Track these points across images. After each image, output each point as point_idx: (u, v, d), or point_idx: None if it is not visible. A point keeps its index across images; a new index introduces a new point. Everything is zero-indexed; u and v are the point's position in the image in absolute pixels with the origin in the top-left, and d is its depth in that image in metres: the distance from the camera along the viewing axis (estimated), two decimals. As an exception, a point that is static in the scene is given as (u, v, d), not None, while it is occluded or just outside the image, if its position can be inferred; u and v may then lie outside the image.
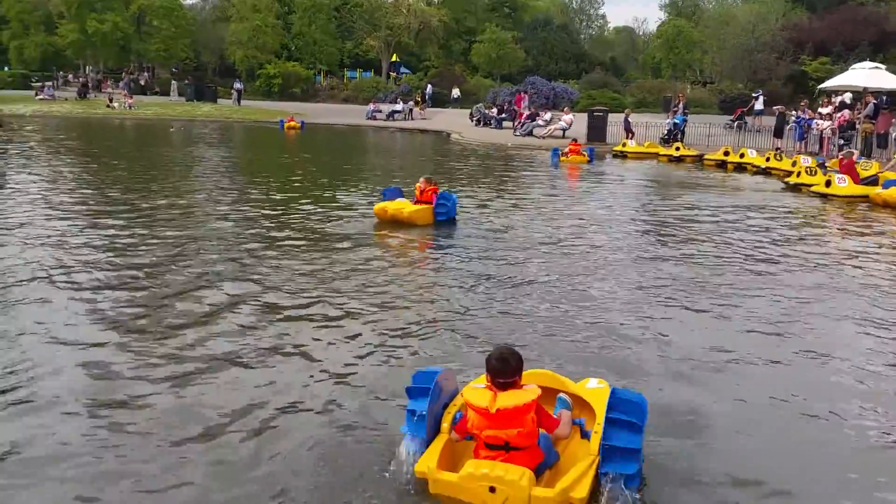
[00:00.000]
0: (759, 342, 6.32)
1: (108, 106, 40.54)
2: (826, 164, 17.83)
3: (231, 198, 13.58)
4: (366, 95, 51.59)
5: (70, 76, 59.12)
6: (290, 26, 62.81)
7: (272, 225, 10.97)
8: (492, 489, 3.60)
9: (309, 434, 4.48)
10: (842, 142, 21.84)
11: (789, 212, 13.78)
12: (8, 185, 13.97)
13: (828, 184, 15.45)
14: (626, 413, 3.94)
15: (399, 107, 40.53)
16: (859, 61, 31.05)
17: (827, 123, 23.32)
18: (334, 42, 64.26)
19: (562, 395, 4.41)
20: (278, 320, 6.53)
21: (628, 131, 26.50)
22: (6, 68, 60.97)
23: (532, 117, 31.20)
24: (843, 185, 15.21)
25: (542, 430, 3.91)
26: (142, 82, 56.38)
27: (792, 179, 17.29)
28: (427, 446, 3.99)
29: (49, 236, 9.54)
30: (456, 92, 51.05)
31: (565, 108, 32.50)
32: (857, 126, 22.20)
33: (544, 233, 10.90)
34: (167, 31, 58.61)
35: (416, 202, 11.15)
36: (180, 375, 5.25)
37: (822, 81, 32.16)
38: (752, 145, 23.37)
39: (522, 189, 16.24)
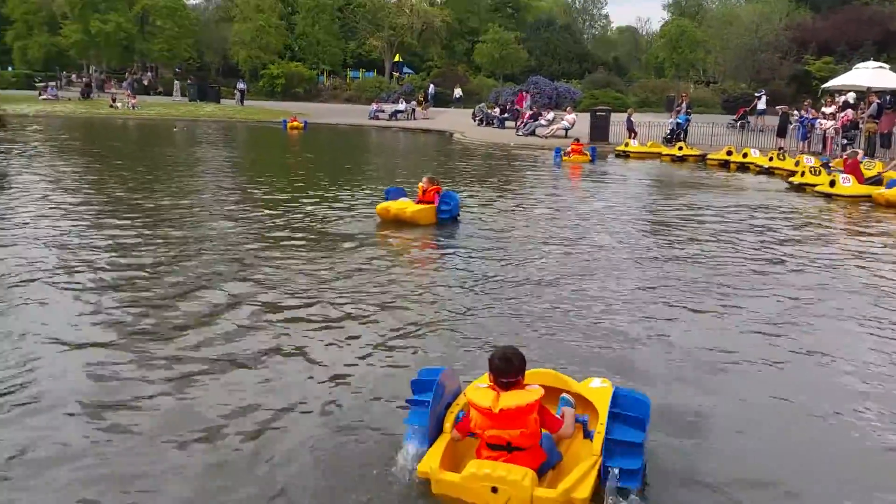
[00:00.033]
0: (762, 342, 6.31)
1: (111, 106, 40.59)
2: (830, 164, 17.79)
3: (233, 198, 13.60)
4: (368, 95, 51.62)
5: (73, 76, 59.21)
6: (293, 27, 62.88)
7: (275, 225, 10.97)
8: (494, 489, 3.60)
9: (310, 434, 4.48)
10: (845, 141, 21.81)
11: (793, 212, 13.75)
12: (11, 185, 13.99)
13: (832, 183, 15.41)
14: (629, 410, 3.94)
15: (402, 107, 40.54)
16: (863, 61, 30.97)
17: (830, 123, 23.28)
18: (337, 42, 64.32)
19: (565, 394, 4.41)
20: (280, 321, 6.53)
21: (631, 131, 26.47)
22: (10, 68, 61.10)
23: (535, 117, 31.19)
24: (847, 184, 15.17)
25: (544, 431, 3.91)
26: (145, 82, 56.45)
27: (796, 179, 17.25)
28: (429, 446, 3.99)
29: (51, 236, 9.55)
30: (458, 92, 51.05)
31: (568, 108, 32.47)
32: (861, 126, 22.17)
33: (547, 232, 10.89)
34: (170, 32, 58.70)
35: (419, 202, 11.15)
36: (182, 376, 5.25)
37: (826, 81, 32.08)
38: (755, 145, 23.32)
39: (525, 189, 16.23)
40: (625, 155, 24.36)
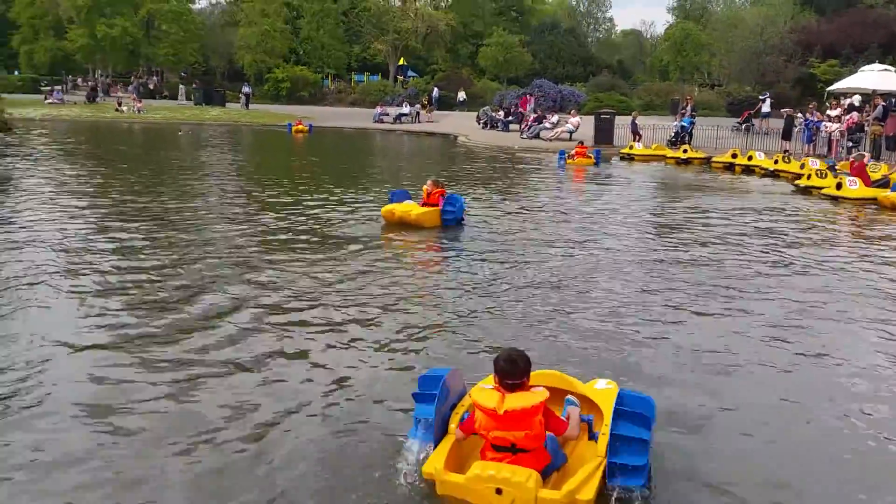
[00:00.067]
0: (767, 345, 6.29)
1: (116, 110, 40.72)
2: (836, 167, 17.75)
3: (238, 201, 13.63)
4: (373, 99, 51.69)
5: (79, 80, 59.43)
6: (298, 31, 63.02)
7: (279, 227, 10.99)
8: (498, 491, 3.60)
9: (314, 436, 4.49)
10: (850, 144, 21.77)
11: (799, 215, 13.72)
12: (17, 189, 14.03)
13: (839, 186, 15.36)
14: (633, 424, 3.93)
15: (406, 110, 40.62)
16: (868, 63, 30.92)
17: (835, 126, 23.23)
18: (342, 46, 64.45)
19: (570, 396, 4.40)
20: (284, 323, 6.54)
21: (635, 134, 26.47)
22: (16, 72, 61.36)
23: (539, 120, 31.19)
24: (854, 187, 15.12)
25: (549, 433, 3.90)
26: (150, 86, 56.62)
27: (802, 182, 17.20)
28: (434, 447, 3.99)
29: (57, 239, 9.57)
30: (461, 95, 51.10)
31: (572, 111, 32.50)
32: (866, 128, 22.12)
33: (551, 235, 10.88)
34: (176, 36, 58.88)
35: (423, 204, 11.16)
36: (186, 379, 5.25)
37: (831, 84, 32.03)
38: (760, 148, 23.28)
39: (529, 191, 16.23)
40: (629, 158, 24.34)
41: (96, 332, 6.17)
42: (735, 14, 60.74)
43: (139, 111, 40.29)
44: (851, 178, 15.41)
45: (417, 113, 40.67)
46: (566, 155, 21.87)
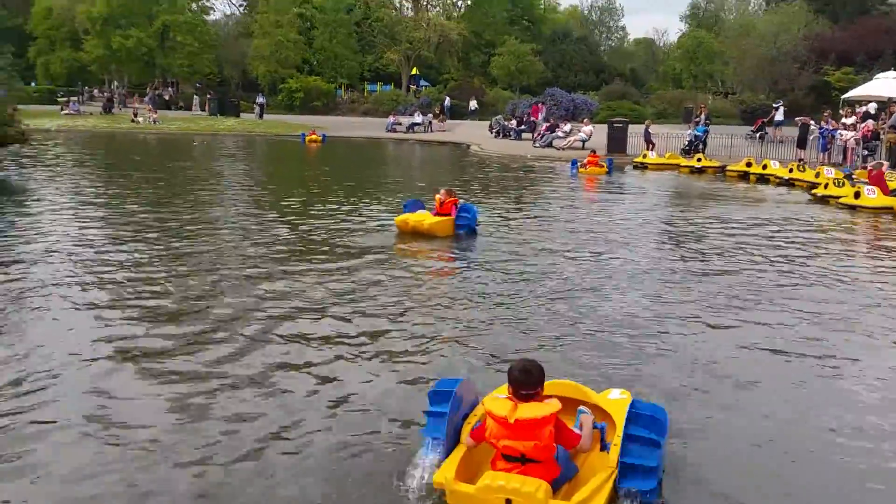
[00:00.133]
0: (782, 357, 6.25)
1: (132, 121, 41.08)
2: (853, 175, 17.61)
3: (251, 211, 13.69)
4: (385, 108, 51.85)
5: (95, 91, 60.05)
6: (311, 41, 63.38)
7: (292, 237, 11.04)
8: (508, 502, 3.59)
9: (325, 446, 4.49)
10: (866, 152, 21.60)
11: (816, 225, 13.61)
12: (32, 200, 14.17)
13: (857, 195, 15.24)
14: (645, 428, 3.92)
15: (419, 119, 40.72)
16: (883, 71, 30.73)
17: (850, 134, 23.07)
18: (355, 56, 64.76)
19: (582, 406, 4.38)
20: (294, 334, 6.53)
21: (648, 142, 26.39)
22: (33, 84, 62.07)
23: (552, 129, 31.18)
24: (872, 196, 15.00)
25: (560, 445, 3.89)
26: (166, 97, 57.12)
27: (819, 191, 17.04)
28: (445, 457, 3.99)
29: (69, 251, 9.60)
30: (473, 104, 51.18)
31: (585, 120, 32.45)
32: (882, 136, 21.95)
33: (564, 245, 10.86)
34: (191, 47, 59.41)
35: (436, 214, 11.18)
36: (194, 392, 5.24)
37: (846, 91, 31.86)
38: (774, 156, 23.15)
39: (542, 201, 16.21)
40: (643, 166, 24.28)
41: (107, 344, 6.17)
42: (748, 22, 60.47)
43: (154, 122, 40.63)
44: (870, 186, 15.28)
45: (430, 122, 40.76)
46: (578, 164, 21.84)
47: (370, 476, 4.15)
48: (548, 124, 32.15)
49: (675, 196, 18.49)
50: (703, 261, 10.02)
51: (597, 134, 28.87)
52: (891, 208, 14.61)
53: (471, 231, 11.25)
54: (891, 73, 28.38)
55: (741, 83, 56.09)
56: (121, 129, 38.86)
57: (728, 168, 22.75)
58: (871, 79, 30.44)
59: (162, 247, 10.04)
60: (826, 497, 4.14)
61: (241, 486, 4.06)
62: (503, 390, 4.07)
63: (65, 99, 48.99)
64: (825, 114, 25.59)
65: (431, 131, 39.89)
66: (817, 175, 18.67)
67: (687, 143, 26.49)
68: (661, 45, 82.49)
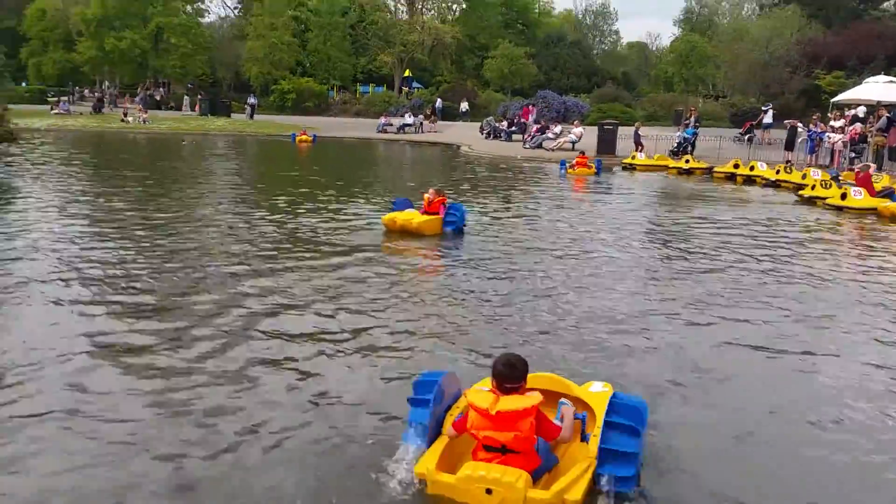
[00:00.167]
0: (765, 354, 6.28)
1: (122, 120, 40.92)
2: (840, 177, 17.73)
3: (239, 209, 13.66)
4: (377, 109, 51.82)
5: (86, 91, 59.83)
6: (305, 44, 63.32)
7: (281, 235, 11.02)
8: (488, 491, 3.63)
9: (305, 439, 4.50)
10: (853, 155, 21.76)
11: (802, 225, 13.68)
12: (18, 197, 14.10)
13: (843, 196, 15.36)
14: (625, 417, 3.95)
15: (410, 120, 40.74)
16: (874, 75, 30.94)
17: (838, 136, 23.23)
18: (348, 58, 64.72)
19: (563, 399, 4.41)
20: (278, 331, 6.52)
21: (638, 144, 26.50)
22: (24, 84, 61.79)
23: (542, 130, 31.26)
24: (858, 197, 15.11)
25: (540, 437, 3.92)
26: (157, 97, 56.97)
27: (806, 192, 17.14)
28: (428, 447, 4.02)
29: (54, 248, 9.53)
30: (464, 106, 51.24)
31: (575, 122, 32.55)
32: (869, 139, 22.12)
33: (551, 244, 10.89)
34: (185, 49, 59.22)
35: (424, 212, 11.20)
36: (175, 387, 5.22)
37: (836, 95, 32.04)
38: (762, 158, 23.27)
39: (531, 201, 16.25)
40: (631, 168, 24.39)
41: (88, 339, 6.13)
42: (742, 26, 60.72)
43: (144, 122, 40.48)
44: (856, 188, 15.40)
45: (421, 123, 40.79)
46: (567, 164, 21.92)
47: (350, 469, 4.16)
48: (538, 126, 32.22)
49: (662, 196, 18.57)
50: (688, 259, 10.07)
51: (587, 136, 28.96)
52: (875, 209, 14.71)
53: (458, 230, 11.27)
54: (880, 78, 28.57)
55: (732, 87, 56.34)
56: (110, 128, 38.70)
57: (715, 169, 22.86)
58: (860, 83, 30.63)
59: (147, 244, 10.02)
60: (805, 488, 4.17)
61: (221, 479, 4.06)
62: (487, 383, 4.11)
63: (55, 99, 48.76)
64: (814, 117, 25.76)
65: (422, 132, 39.91)
66: (804, 177, 18.79)
67: (676, 144, 26.63)
68: (654, 48, 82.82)
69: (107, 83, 62.93)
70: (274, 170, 24.16)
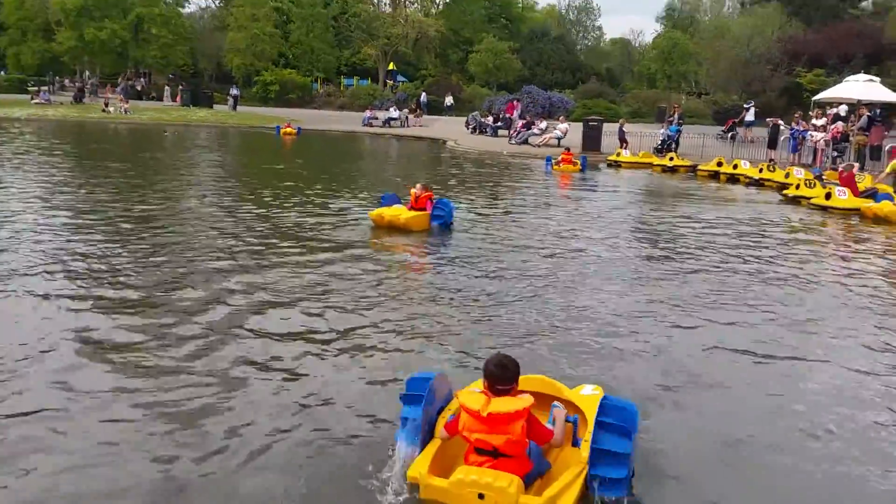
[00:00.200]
0: (751, 358, 6.28)
1: (103, 110, 40.47)
2: (823, 176, 17.88)
3: (224, 203, 13.53)
4: (362, 103, 51.67)
5: (66, 81, 59.08)
6: (287, 35, 62.93)
7: (265, 230, 10.93)
8: (481, 496, 3.62)
9: (296, 443, 4.45)
10: (835, 154, 21.97)
11: (788, 225, 13.76)
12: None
13: (828, 196, 15.47)
14: (616, 419, 3.95)
15: (395, 114, 40.62)
16: (854, 74, 31.24)
17: (820, 135, 23.44)
18: (332, 50, 64.47)
19: (556, 402, 4.41)
20: (264, 329, 6.45)
21: (622, 141, 26.59)
22: (2, 73, 60.94)
23: (528, 126, 31.31)
24: (843, 197, 15.23)
25: (531, 441, 3.91)
26: (138, 88, 56.38)
27: (791, 192, 17.24)
28: (420, 450, 4.00)
29: (32, 241, 9.39)
30: (449, 100, 51.18)
31: (561, 118, 32.59)
32: (851, 138, 22.33)
33: (539, 242, 10.87)
34: (165, 39, 58.73)
35: (411, 208, 11.16)
36: (160, 385, 5.16)
37: (817, 93, 32.33)
38: (745, 156, 23.45)
39: (518, 197, 16.26)
40: (616, 165, 24.49)
41: (71, 336, 6.04)
42: (723, 24, 61.27)
43: (126, 112, 40.06)
44: (840, 187, 15.52)
45: (406, 117, 40.69)
46: (553, 161, 21.97)
47: (339, 472, 4.13)
48: (524, 121, 32.25)
49: (647, 194, 18.64)
50: (674, 260, 10.10)
51: (572, 132, 29.03)
52: (859, 209, 14.84)
53: (446, 226, 11.25)
54: (861, 76, 28.83)
55: (714, 84, 56.73)
56: (91, 118, 38.27)
57: (699, 167, 22.98)
58: (841, 81, 30.92)
59: (131, 237, 9.90)
60: (796, 496, 4.20)
61: (207, 482, 4.01)
62: (479, 384, 4.09)
63: (35, 88, 48.12)
64: (796, 115, 25.98)
65: (408, 126, 39.82)
66: (787, 175, 18.92)
67: (660, 142, 26.76)
68: (637, 45, 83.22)
69: (87, 73, 62.17)
70: (258, 162, 24.00)
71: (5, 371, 5.28)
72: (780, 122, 25.90)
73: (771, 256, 10.55)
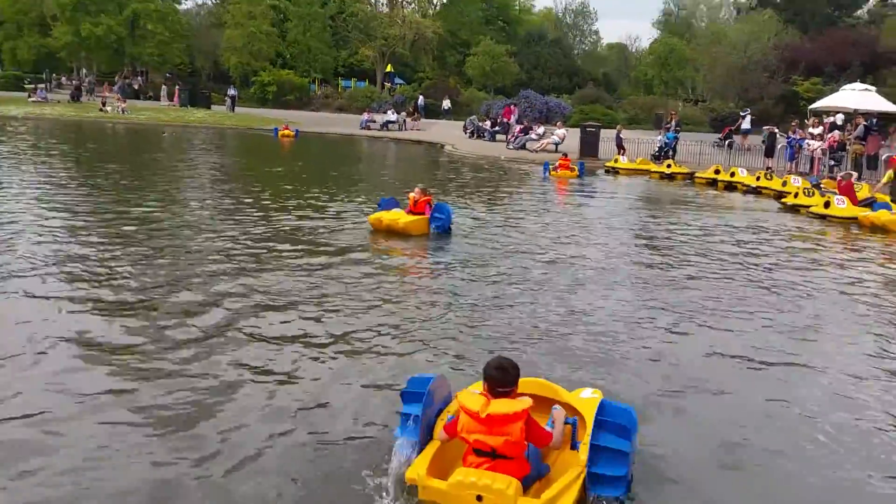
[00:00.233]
0: (748, 363, 6.33)
1: (100, 110, 40.37)
2: (821, 185, 17.97)
3: (221, 206, 13.50)
4: (360, 105, 51.66)
5: (63, 79, 58.96)
6: (285, 34, 62.90)
7: (263, 234, 10.89)
8: (479, 498, 3.64)
9: (293, 446, 4.47)
10: (832, 162, 22.07)
11: (787, 233, 13.79)
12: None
13: (826, 205, 15.54)
14: (613, 435, 3.97)
15: (393, 117, 40.62)
16: (850, 82, 31.39)
17: (817, 144, 23.54)
18: (329, 51, 64.43)
19: (556, 405, 4.44)
20: (260, 333, 6.43)
21: (620, 147, 26.64)
22: (-1, 69, 60.88)
23: (525, 131, 31.36)
24: (842, 206, 15.31)
25: (530, 443, 3.94)
26: (135, 86, 56.28)
27: (789, 200, 17.28)
28: (419, 452, 4.02)
29: (28, 242, 9.33)
30: (446, 103, 51.19)
31: (558, 123, 32.66)
32: (848, 147, 22.44)
33: (538, 248, 10.89)
34: (161, 36, 58.63)
35: (410, 212, 11.18)
36: (154, 387, 5.15)
37: (814, 101, 32.47)
38: (742, 164, 23.51)
39: (516, 202, 16.29)
40: (614, 171, 24.52)
41: (67, 339, 6.01)
42: (719, 30, 61.36)
43: (123, 111, 39.97)
44: (839, 196, 15.60)
45: (404, 121, 40.69)
46: (550, 167, 22.02)
47: (335, 473, 4.15)
48: (521, 126, 32.30)
49: (645, 201, 18.67)
50: (673, 266, 10.12)
51: (570, 137, 29.08)
52: (856, 218, 14.92)
53: (444, 230, 11.27)
54: (857, 85, 28.97)
55: (711, 91, 56.87)
56: (88, 117, 38.14)
57: (697, 175, 23.02)
58: (838, 89, 31.06)
59: (127, 240, 9.86)
60: (792, 499, 4.24)
61: (200, 486, 4.00)
62: (479, 386, 4.12)
63: (32, 86, 48.02)
64: (793, 123, 26.08)
65: (406, 129, 39.82)
66: (784, 184, 19.00)
67: (657, 148, 26.82)
68: (634, 50, 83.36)
69: (84, 71, 62.04)
70: (257, 165, 23.97)
71: (2, 373, 5.26)
72: (776, 129, 26.00)
73: (770, 264, 10.58)
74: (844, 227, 14.57)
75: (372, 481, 4.01)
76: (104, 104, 41.16)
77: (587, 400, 4.59)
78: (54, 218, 11.16)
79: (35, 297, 7.11)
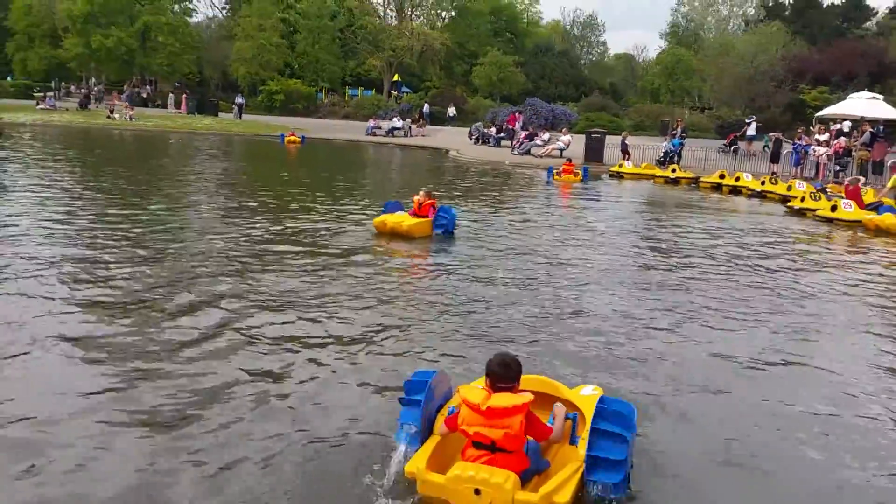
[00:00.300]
0: (751, 366, 6.27)
1: (108, 117, 40.66)
2: (826, 189, 17.93)
3: (227, 210, 13.55)
4: (366, 112, 51.90)
5: (72, 87, 59.41)
6: (294, 46, 63.26)
7: (269, 237, 10.88)
8: (477, 491, 3.62)
9: (295, 442, 4.44)
10: (837, 168, 22.04)
11: (794, 237, 13.75)
12: (1, 194, 13.87)
13: (833, 209, 15.56)
14: (613, 421, 3.94)
15: (398, 124, 40.80)
16: (857, 91, 31.33)
17: (823, 150, 23.51)
18: (337, 61, 64.80)
19: (558, 403, 4.41)
20: (264, 335, 6.39)
21: (625, 153, 26.70)
22: (9, 78, 61.28)
23: (531, 137, 31.43)
24: (849, 209, 15.33)
25: (530, 438, 3.92)
26: (144, 95, 56.67)
27: (796, 204, 17.32)
28: (419, 446, 4.01)
29: (36, 242, 9.38)
30: (451, 110, 51.35)
31: (563, 129, 32.71)
32: (854, 153, 22.41)
33: (541, 251, 10.86)
34: (172, 48, 59.06)
35: (414, 215, 11.18)
36: (151, 390, 5.11)
37: (821, 110, 32.45)
38: (747, 170, 23.52)
39: (520, 206, 16.28)
40: (619, 176, 24.59)
41: (67, 339, 5.97)
42: (727, 41, 61.37)
43: (131, 119, 40.23)
44: (846, 200, 15.62)
45: (410, 127, 40.86)
46: (554, 171, 22.06)
47: (334, 472, 4.12)
48: (527, 132, 32.37)
49: (650, 205, 18.67)
50: (677, 269, 10.09)
51: (575, 144, 29.12)
52: (860, 222, 14.89)
53: (448, 233, 11.27)
54: (864, 94, 28.89)
55: (718, 99, 56.89)
56: (96, 125, 38.43)
57: (701, 179, 23.04)
58: (844, 98, 31.02)
59: (128, 241, 9.88)
60: (792, 500, 4.19)
61: (195, 487, 3.96)
62: (481, 381, 4.11)
63: (41, 94, 48.41)
64: (799, 130, 26.06)
65: (411, 136, 39.95)
66: (789, 188, 18.98)
67: (662, 154, 26.84)
68: (641, 60, 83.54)
69: (93, 80, 62.52)
70: (263, 170, 24.07)
71: (2, 373, 5.25)
72: (780, 136, 26.02)
73: (775, 267, 10.53)
74: (851, 231, 14.53)
75: (369, 479, 3.98)
76: (112, 112, 41.46)
77: (587, 396, 4.57)
78: (58, 220, 11.20)
79: (35, 297, 7.10)
